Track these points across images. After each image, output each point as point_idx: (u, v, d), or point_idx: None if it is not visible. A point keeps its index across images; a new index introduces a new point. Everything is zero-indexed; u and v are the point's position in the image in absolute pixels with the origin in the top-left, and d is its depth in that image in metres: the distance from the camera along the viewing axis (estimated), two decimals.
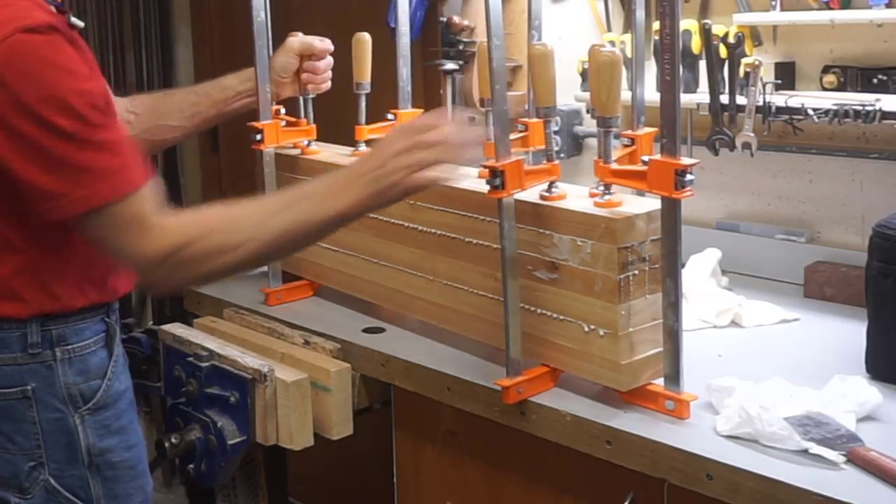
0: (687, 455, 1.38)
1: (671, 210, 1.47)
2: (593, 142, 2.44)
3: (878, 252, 1.60)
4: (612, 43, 2.26)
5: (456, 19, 2.33)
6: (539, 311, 1.62)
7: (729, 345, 1.76)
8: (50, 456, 1.53)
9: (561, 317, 1.59)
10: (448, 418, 1.74)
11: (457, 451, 1.75)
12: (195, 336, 1.96)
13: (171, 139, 1.98)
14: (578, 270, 1.55)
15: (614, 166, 1.55)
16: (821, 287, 2.02)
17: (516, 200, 1.57)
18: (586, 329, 1.55)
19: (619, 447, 1.46)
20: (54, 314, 1.52)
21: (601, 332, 1.52)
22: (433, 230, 1.82)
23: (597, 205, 1.55)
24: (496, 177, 1.53)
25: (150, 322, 3.69)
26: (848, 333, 1.77)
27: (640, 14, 1.79)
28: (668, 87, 1.44)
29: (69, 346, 1.54)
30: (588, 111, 2.41)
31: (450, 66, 2.34)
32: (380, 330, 1.93)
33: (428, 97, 2.62)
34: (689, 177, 1.43)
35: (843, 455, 1.32)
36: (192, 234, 1.42)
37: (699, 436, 1.42)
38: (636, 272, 1.51)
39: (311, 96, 2.13)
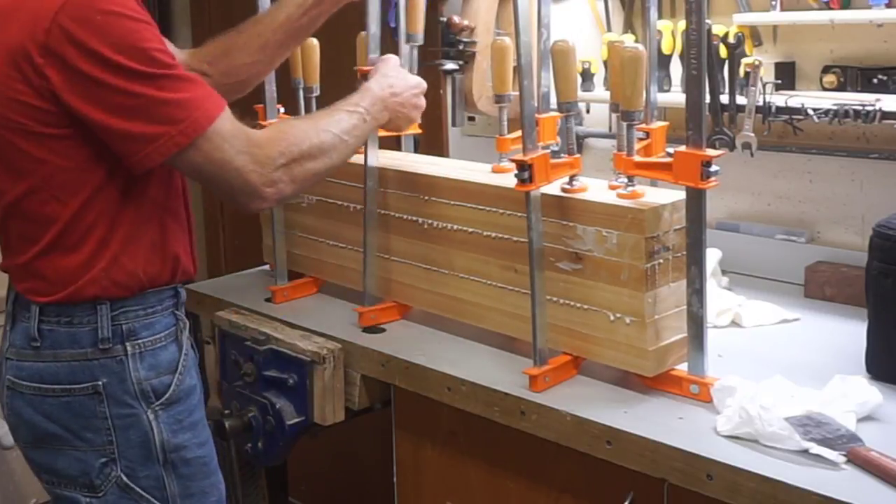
0: (687, 455, 1.38)
1: (696, 200, 1.50)
2: (594, 142, 2.44)
3: (878, 252, 1.60)
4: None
5: (456, 19, 2.33)
6: (562, 301, 1.64)
7: (729, 345, 1.76)
8: (122, 453, 1.51)
9: (585, 306, 1.61)
10: (448, 418, 1.74)
11: (457, 451, 1.75)
12: (251, 321, 1.99)
13: (249, 76, 1.89)
14: (603, 261, 1.57)
15: (637, 158, 1.57)
16: (821, 287, 2.02)
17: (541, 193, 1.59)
18: (612, 317, 1.57)
19: (619, 447, 1.45)
20: (123, 298, 1.50)
21: (628, 320, 1.55)
22: (449, 225, 1.84)
23: (620, 196, 1.58)
24: (524, 170, 1.55)
25: None
26: (848, 333, 1.77)
27: (653, 13, 1.80)
28: (694, 81, 1.46)
29: (139, 341, 1.52)
30: (588, 111, 2.42)
31: (450, 66, 2.34)
32: (380, 330, 1.93)
33: (428, 97, 2.61)
34: (713, 167, 1.46)
35: (843, 455, 1.32)
36: (287, 141, 1.50)
37: (699, 436, 1.42)
38: (661, 261, 1.54)
39: (315, 94, 2.14)
